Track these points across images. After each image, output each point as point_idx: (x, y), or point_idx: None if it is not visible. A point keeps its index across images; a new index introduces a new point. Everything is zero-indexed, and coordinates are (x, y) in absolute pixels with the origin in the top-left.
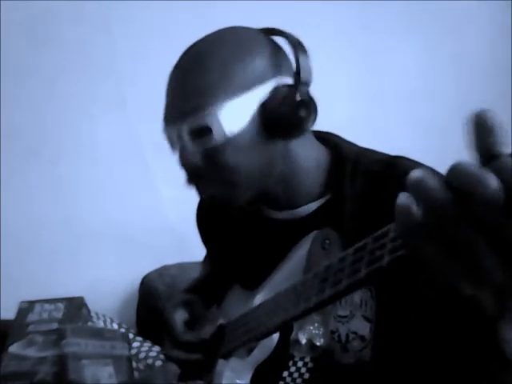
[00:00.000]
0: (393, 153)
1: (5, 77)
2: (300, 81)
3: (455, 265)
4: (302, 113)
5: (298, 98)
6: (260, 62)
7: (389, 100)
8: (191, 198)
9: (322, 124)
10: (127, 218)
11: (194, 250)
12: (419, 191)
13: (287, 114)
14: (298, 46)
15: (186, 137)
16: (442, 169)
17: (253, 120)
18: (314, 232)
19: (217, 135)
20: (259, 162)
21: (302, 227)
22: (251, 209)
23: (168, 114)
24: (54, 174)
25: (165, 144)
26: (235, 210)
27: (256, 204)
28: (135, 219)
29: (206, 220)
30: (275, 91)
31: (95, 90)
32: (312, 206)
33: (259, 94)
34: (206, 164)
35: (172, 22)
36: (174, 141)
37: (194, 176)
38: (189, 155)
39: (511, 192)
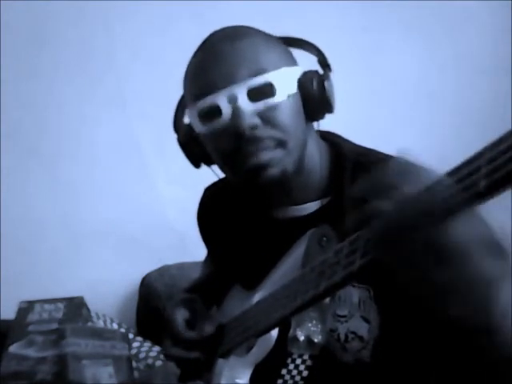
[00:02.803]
0: (392, 152)
1: (5, 77)
2: (327, 70)
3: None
4: (331, 94)
5: (327, 82)
6: (289, 50)
7: (389, 100)
8: (191, 198)
9: (321, 123)
10: (127, 218)
11: (194, 250)
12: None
13: (320, 94)
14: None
15: (244, 97)
16: (442, 169)
17: (297, 94)
18: (312, 230)
19: (279, 93)
20: (300, 130)
21: (302, 226)
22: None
23: (219, 79)
24: (53, 173)
25: (164, 144)
26: (238, 208)
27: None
28: (135, 219)
29: (207, 220)
30: (308, 74)
31: (95, 90)
32: (313, 206)
33: (297, 71)
34: (263, 124)
35: (172, 22)
36: (224, 105)
37: (250, 138)
38: (245, 115)
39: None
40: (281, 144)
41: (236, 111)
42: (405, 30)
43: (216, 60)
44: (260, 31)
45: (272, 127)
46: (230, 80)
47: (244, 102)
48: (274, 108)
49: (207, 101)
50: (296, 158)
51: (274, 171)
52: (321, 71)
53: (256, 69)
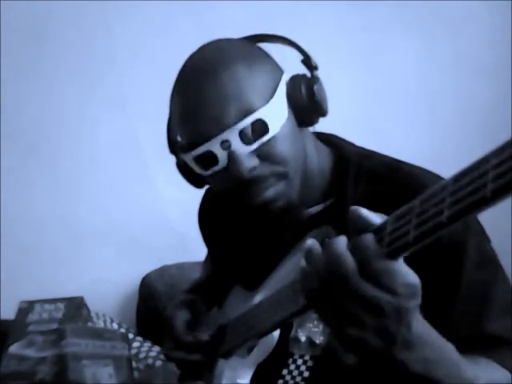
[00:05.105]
0: (392, 153)
1: (5, 76)
2: (314, 71)
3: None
4: (322, 98)
5: (316, 85)
6: (271, 59)
7: (389, 100)
8: (191, 198)
9: (321, 123)
10: (127, 218)
11: (194, 250)
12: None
13: (310, 100)
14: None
15: (237, 141)
16: (442, 169)
17: (288, 110)
18: (313, 231)
19: (272, 127)
20: (299, 149)
21: (305, 228)
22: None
23: (209, 126)
24: (53, 173)
25: (164, 144)
26: (238, 211)
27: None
28: (135, 219)
29: (208, 220)
30: (295, 80)
31: (95, 90)
32: (316, 209)
33: (283, 84)
34: (261, 162)
35: (172, 22)
36: (219, 152)
37: (251, 180)
38: (242, 159)
39: (362, 263)
40: (282, 176)
41: (232, 156)
42: (405, 30)
43: (202, 104)
44: (239, 50)
45: (271, 163)
46: (220, 126)
47: (238, 145)
48: (269, 143)
49: (201, 149)
50: (299, 182)
51: (280, 204)
52: (308, 73)
53: (244, 109)
